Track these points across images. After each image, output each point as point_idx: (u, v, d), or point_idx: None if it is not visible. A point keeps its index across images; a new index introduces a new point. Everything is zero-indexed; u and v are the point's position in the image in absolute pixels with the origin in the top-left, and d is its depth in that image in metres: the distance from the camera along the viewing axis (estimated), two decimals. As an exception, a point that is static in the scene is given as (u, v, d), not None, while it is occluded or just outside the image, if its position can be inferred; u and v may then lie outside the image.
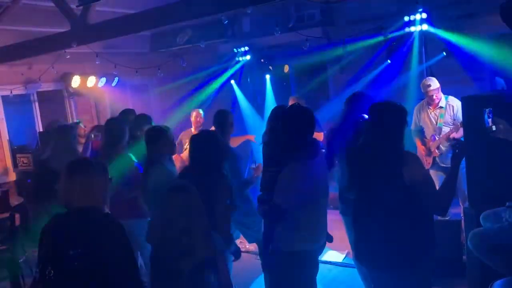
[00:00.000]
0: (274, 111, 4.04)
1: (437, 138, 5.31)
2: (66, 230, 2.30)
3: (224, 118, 4.44)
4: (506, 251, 3.03)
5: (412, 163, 2.73)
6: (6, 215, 4.41)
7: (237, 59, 8.27)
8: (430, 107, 5.38)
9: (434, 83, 5.28)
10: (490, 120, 3.22)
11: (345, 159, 2.94)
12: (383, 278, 2.78)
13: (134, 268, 2.37)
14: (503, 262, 3.05)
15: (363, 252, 2.82)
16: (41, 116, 7.96)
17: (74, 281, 2.26)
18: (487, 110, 3.21)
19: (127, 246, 2.34)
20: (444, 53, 6.49)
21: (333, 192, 6.73)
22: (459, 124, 5.04)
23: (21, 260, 5.17)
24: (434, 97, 5.28)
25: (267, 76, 8.30)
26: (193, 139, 3.32)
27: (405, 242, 2.70)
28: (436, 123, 5.33)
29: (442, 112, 5.30)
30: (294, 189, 2.90)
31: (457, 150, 2.78)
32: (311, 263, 3.13)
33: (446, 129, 5.28)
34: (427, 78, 5.51)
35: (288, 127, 2.98)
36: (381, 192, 2.70)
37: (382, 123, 2.75)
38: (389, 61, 6.78)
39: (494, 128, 3.21)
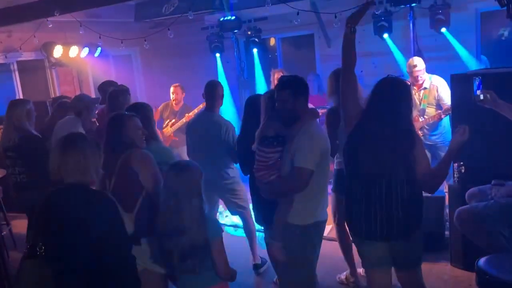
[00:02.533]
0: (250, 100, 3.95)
1: (420, 120, 5.31)
2: (57, 206, 2.27)
3: (214, 89, 4.38)
4: (490, 228, 3.10)
5: (419, 143, 2.79)
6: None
7: (223, 31, 8.12)
8: (414, 87, 5.37)
9: (420, 64, 5.24)
10: (479, 90, 3.25)
11: (348, 137, 2.92)
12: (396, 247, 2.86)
13: (126, 243, 2.36)
14: (487, 238, 3.13)
15: (372, 228, 2.82)
16: (21, 86, 7.76)
17: (66, 257, 2.25)
18: (477, 78, 3.23)
19: (119, 222, 2.32)
20: (445, 29, 6.42)
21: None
22: (448, 106, 5.04)
23: (4, 233, 5.13)
24: (419, 78, 5.25)
25: (255, 50, 8.16)
26: None
27: (412, 212, 2.80)
28: (420, 103, 5.34)
29: (426, 93, 5.28)
30: (316, 147, 2.90)
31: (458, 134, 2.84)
32: (319, 235, 3.17)
33: (429, 110, 5.27)
34: (414, 58, 5.45)
35: (298, 93, 2.99)
36: (390, 170, 2.73)
37: (389, 99, 2.77)
38: (385, 35, 6.72)
39: (481, 97, 3.23)
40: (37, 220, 2.30)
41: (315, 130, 2.99)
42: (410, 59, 5.42)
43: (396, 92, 2.79)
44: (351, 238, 3.95)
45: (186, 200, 2.47)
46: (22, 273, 2.28)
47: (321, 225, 3.11)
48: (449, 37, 6.53)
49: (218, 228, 2.60)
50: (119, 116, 3.13)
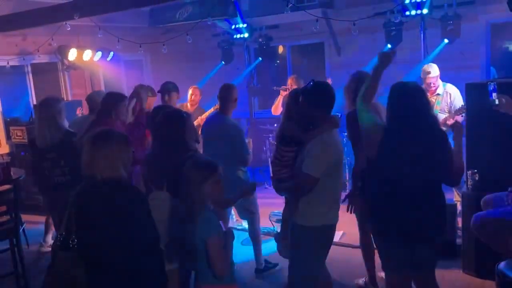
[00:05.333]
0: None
1: None
2: (91, 201, 2.32)
3: (227, 92, 4.41)
4: (508, 233, 3.14)
5: (446, 138, 2.88)
6: (9, 186, 4.39)
7: (235, 36, 8.23)
8: (427, 93, 5.42)
9: (434, 71, 5.30)
10: (494, 94, 3.29)
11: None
12: (420, 250, 2.92)
13: (156, 239, 2.39)
14: (505, 243, 3.17)
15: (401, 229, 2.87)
16: (34, 88, 7.85)
17: (97, 250, 2.30)
18: (492, 84, 3.28)
19: (149, 218, 2.37)
20: (446, 40, 6.50)
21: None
22: (453, 112, 5.12)
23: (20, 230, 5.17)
24: (432, 84, 5.30)
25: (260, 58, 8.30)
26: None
27: (438, 213, 2.90)
28: (432, 109, 5.37)
29: (438, 99, 5.33)
30: (325, 157, 2.96)
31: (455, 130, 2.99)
32: (326, 239, 3.16)
33: (441, 116, 5.29)
34: (428, 64, 5.50)
35: (317, 100, 3.04)
36: (418, 171, 2.79)
37: (407, 102, 2.84)
38: (389, 45, 6.79)
39: (497, 101, 3.27)
40: (69, 214, 2.35)
41: (328, 140, 3.01)
42: (425, 65, 5.48)
43: (410, 93, 2.87)
44: (374, 244, 4.04)
45: (188, 195, 2.54)
46: (55, 264, 2.33)
47: (328, 229, 3.13)
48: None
49: (213, 227, 2.55)
50: (178, 114, 3.23)
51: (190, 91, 6.44)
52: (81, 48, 7.61)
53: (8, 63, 7.14)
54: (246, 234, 5.01)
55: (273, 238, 4.05)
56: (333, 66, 8.17)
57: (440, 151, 2.82)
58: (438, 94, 5.34)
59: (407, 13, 6.58)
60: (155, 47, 7.29)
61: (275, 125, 7.62)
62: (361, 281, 4.20)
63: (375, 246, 3.63)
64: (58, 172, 4.06)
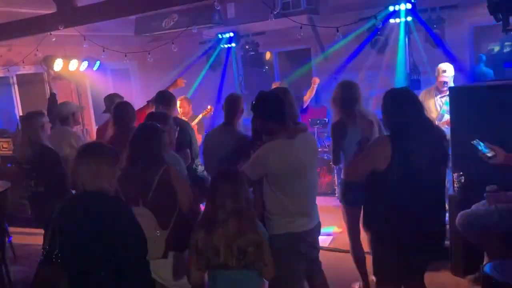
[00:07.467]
0: None
1: (437, 123, 5.22)
2: (74, 213, 2.30)
3: (234, 103, 4.19)
4: (491, 231, 3.18)
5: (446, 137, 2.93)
6: (-6, 199, 4.36)
7: (221, 45, 8.25)
8: (438, 93, 5.29)
9: (449, 71, 5.19)
10: (483, 147, 3.23)
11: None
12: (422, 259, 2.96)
13: (141, 249, 2.38)
14: (487, 241, 3.21)
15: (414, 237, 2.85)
16: (20, 100, 7.80)
17: (81, 264, 2.28)
18: (474, 142, 3.24)
19: (136, 230, 2.35)
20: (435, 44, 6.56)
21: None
22: None
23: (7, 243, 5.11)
24: (445, 84, 5.18)
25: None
26: None
27: (443, 220, 3.00)
28: (440, 109, 5.24)
29: (448, 100, 4.96)
30: (260, 162, 2.95)
31: None
32: (292, 246, 3.04)
33: (446, 117, 5.11)
34: (445, 63, 5.37)
35: (257, 110, 3.03)
36: (433, 172, 2.81)
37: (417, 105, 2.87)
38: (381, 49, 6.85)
39: (490, 154, 3.20)
40: (53, 227, 2.33)
41: (271, 147, 2.96)
42: (441, 64, 5.36)
43: (408, 98, 2.87)
44: (364, 250, 4.02)
45: (244, 203, 2.59)
46: (38, 279, 2.31)
47: (291, 236, 3.00)
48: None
49: (264, 232, 2.73)
50: (154, 128, 3.17)
51: (178, 103, 6.33)
52: (67, 58, 7.56)
53: (-7, 74, 7.09)
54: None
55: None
56: (319, 71, 8.22)
57: (445, 148, 2.85)
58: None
59: (392, 20, 6.66)
60: (142, 56, 7.25)
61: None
62: (356, 286, 4.20)
63: (368, 252, 3.61)
64: (32, 183, 4.12)
